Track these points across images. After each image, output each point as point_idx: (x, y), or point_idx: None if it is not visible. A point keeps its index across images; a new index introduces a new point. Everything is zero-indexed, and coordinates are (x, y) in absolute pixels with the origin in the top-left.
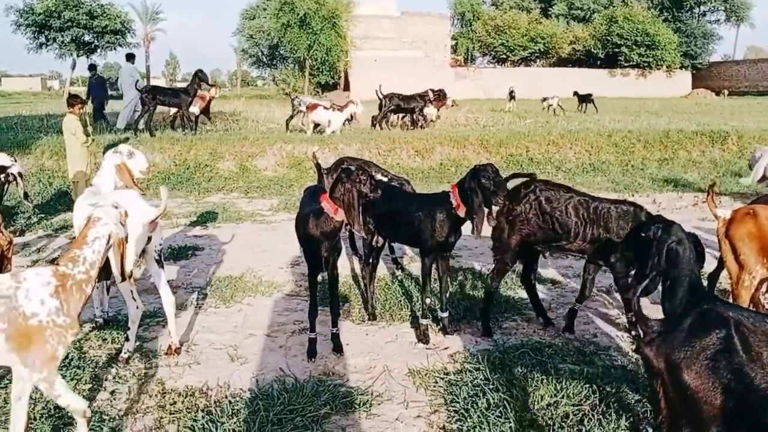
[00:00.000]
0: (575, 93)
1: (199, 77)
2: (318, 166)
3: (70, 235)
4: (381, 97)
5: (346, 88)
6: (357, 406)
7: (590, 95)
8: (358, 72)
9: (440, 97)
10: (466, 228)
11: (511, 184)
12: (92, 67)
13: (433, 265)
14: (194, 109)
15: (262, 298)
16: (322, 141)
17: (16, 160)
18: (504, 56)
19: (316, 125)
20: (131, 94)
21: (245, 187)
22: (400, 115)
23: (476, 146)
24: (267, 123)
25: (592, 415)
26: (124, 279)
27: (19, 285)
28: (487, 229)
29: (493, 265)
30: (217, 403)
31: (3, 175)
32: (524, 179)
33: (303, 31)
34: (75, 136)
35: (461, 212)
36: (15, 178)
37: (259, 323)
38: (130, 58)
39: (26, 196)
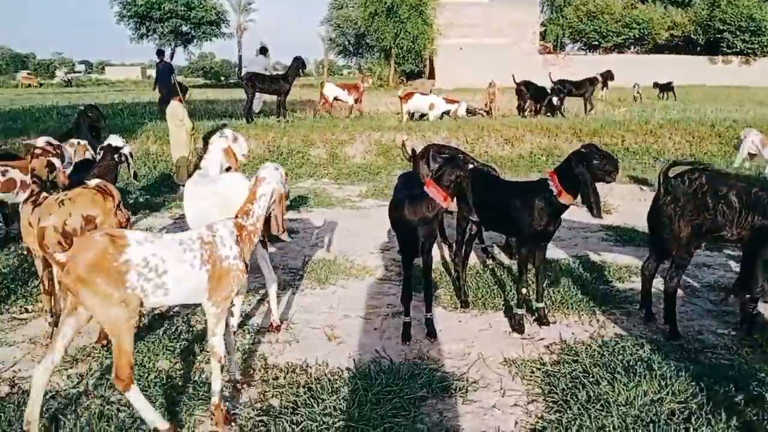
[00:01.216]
0: (655, 84)
1: (299, 64)
2: (413, 152)
3: (173, 215)
4: (551, 83)
5: (431, 76)
6: (453, 392)
7: (670, 83)
8: (443, 60)
9: (608, 79)
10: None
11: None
12: (160, 53)
13: (530, 255)
14: (350, 98)
15: (354, 281)
16: (410, 129)
17: (127, 142)
18: (596, 43)
19: (412, 115)
20: None
21: (335, 173)
22: (531, 103)
23: (568, 135)
24: (354, 111)
25: (700, 413)
26: (283, 231)
27: (215, 234)
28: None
29: (671, 262)
30: (317, 381)
31: (117, 156)
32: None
33: (390, 20)
34: (182, 122)
35: (564, 199)
36: (126, 159)
37: (353, 305)
38: (264, 51)
39: (135, 175)
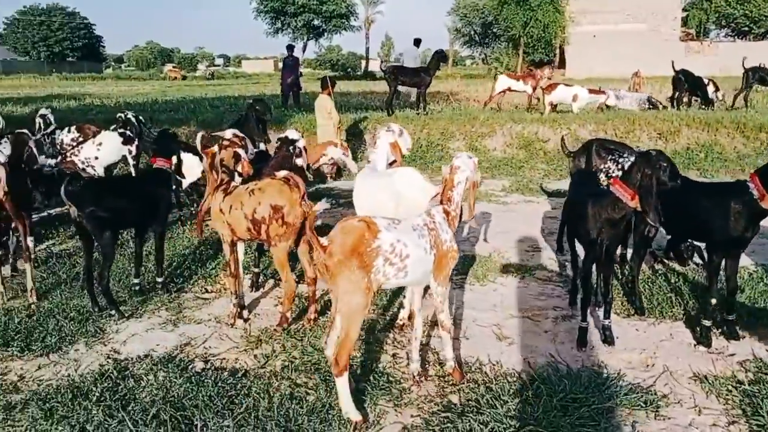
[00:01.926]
0: None
1: (440, 57)
2: (585, 147)
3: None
4: (743, 68)
5: (561, 65)
6: (643, 405)
7: None
8: (575, 48)
9: None
10: None
11: None
12: (290, 48)
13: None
14: (528, 88)
15: (513, 279)
16: (554, 121)
17: (302, 135)
18: (746, 28)
19: (555, 106)
20: None
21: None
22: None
23: (730, 130)
24: (533, 100)
25: None
26: (472, 217)
27: (434, 219)
28: None
29: None
30: (495, 380)
31: (292, 148)
32: None
33: (520, 8)
34: (330, 115)
35: (767, 204)
36: (300, 152)
37: (517, 305)
38: (417, 42)
39: (308, 167)
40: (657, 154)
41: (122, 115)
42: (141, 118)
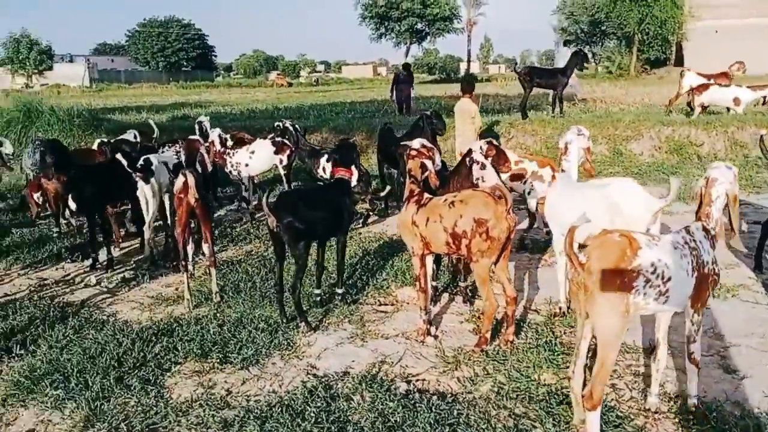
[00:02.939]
0: None
1: (580, 58)
2: None
3: None
4: None
5: (678, 63)
6: None
7: None
8: (695, 45)
9: None
10: None
11: None
12: (406, 66)
13: None
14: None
15: (715, 301)
16: (708, 124)
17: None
18: None
19: (705, 108)
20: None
21: (621, 172)
22: None
23: None
24: (617, 104)
25: None
26: (734, 234)
27: (694, 238)
28: None
29: None
30: (745, 422)
31: (468, 158)
32: None
33: (634, 4)
34: (473, 119)
35: None
36: (484, 165)
37: (731, 330)
38: (567, 44)
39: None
40: None
41: (280, 123)
42: (297, 126)
